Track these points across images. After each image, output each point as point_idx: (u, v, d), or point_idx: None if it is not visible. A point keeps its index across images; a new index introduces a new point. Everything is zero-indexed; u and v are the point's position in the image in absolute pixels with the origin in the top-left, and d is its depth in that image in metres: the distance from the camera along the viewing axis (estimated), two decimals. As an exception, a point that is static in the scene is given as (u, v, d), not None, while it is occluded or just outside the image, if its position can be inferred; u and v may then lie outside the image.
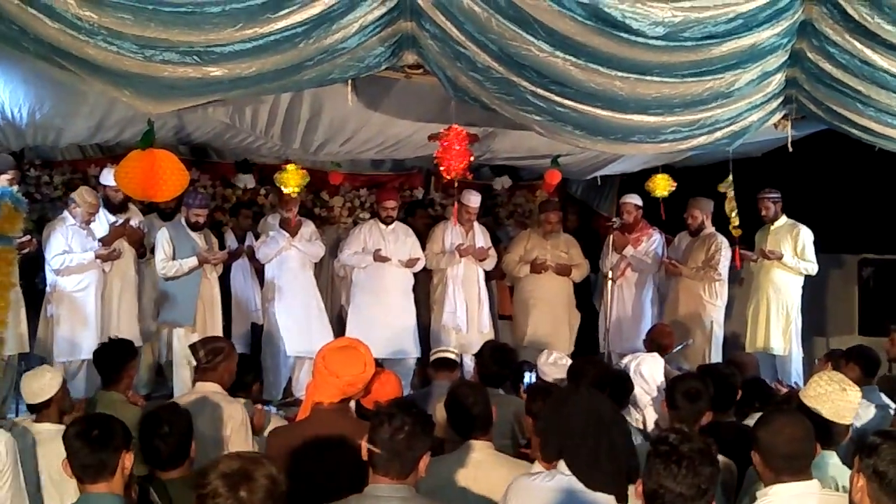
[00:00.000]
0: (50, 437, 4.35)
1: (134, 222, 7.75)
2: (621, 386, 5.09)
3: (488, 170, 10.68)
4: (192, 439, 3.82)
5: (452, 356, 6.23)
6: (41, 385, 4.60)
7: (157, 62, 4.62)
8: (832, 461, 3.78)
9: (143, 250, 7.92)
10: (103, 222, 7.62)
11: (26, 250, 6.88)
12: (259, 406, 5.18)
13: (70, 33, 4.37)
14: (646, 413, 5.57)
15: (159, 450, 3.75)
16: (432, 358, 6.16)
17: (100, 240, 7.44)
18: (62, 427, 4.32)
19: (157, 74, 4.75)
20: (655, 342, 6.74)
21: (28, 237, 6.85)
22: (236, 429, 4.51)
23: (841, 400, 3.94)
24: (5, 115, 6.71)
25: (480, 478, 3.72)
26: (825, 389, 3.99)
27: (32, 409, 4.67)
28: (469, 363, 7.63)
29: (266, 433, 4.57)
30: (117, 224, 7.59)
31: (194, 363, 7.39)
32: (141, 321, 7.88)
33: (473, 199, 8.71)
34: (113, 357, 5.20)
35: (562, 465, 3.22)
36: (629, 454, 3.28)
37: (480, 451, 3.83)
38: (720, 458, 3.96)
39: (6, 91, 6.41)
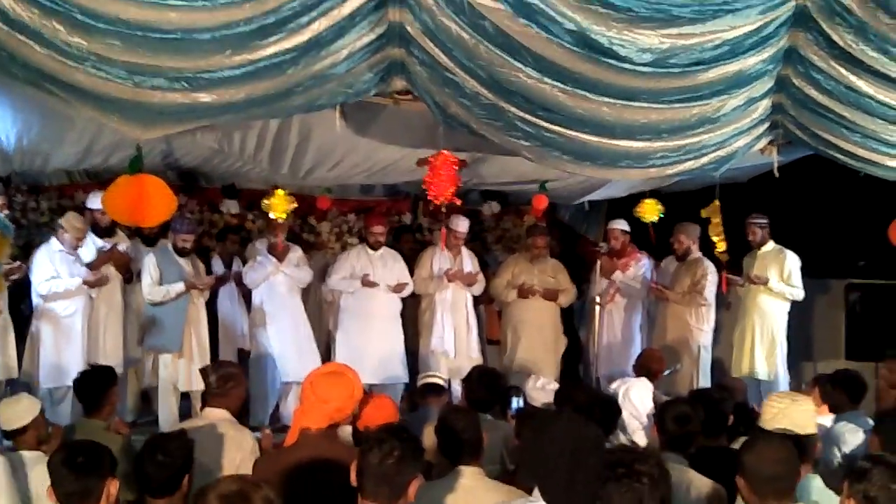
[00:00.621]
0: (25, 465, 4.30)
1: (121, 247, 7.73)
2: (609, 411, 5.07)
3: (476, 195, 10.71)
4: (188, 470, 3.75)
5: (440, 381, 6.20)
6: (17, 411, 4.54)
7: (147, 88, 4.63)
8: (815, 484, 3.79)
9: (130, 275, 7.88)
10: (90, 247, 7.59)
11: (15, 276, 6.85)
12: (267, 430, 5.11)
13: (59, 59, 4.39)
14: (634, 438, 5.54)
15: (151, 476, 3.71)
16: (420, 383, 6.13)
17: (87, 265, 7.40)
18: (39, 454, 4.28)
19: (145, 100, 4.76)
20: (645, 367, 6.71)
21: (18, 263, 6.82)
22: (247, 458, 4.42)
23: (795, 411, 4.00)
24: (-8, 141, 6.71)
25: (472, 503, 3.70)
26: (777, 408, 4.07)
27: (8, 435, 4.59)
28: (458, 388, 7.60)
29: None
30: (105, 249, 7.57)
31: (182, 389, 7.50)
32: (126, 347, 7.83)
33: (461, 224, 8.72)
34: (93, 385, 5.11)
35: (537, 492, 3.21)
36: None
37: (471, 477, 3.81)
38: (710, 482, 3.98)
39: (-6, 116, 6.41)
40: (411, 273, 8.66)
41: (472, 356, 8.57)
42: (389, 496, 2.98)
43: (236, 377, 4.71)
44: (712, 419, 4.72)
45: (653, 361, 6.88)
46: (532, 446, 3.28)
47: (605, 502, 2.76)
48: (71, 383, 6.64)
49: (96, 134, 6.87)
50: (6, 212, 6.41)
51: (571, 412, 3.94)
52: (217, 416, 4.57)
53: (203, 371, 4.81)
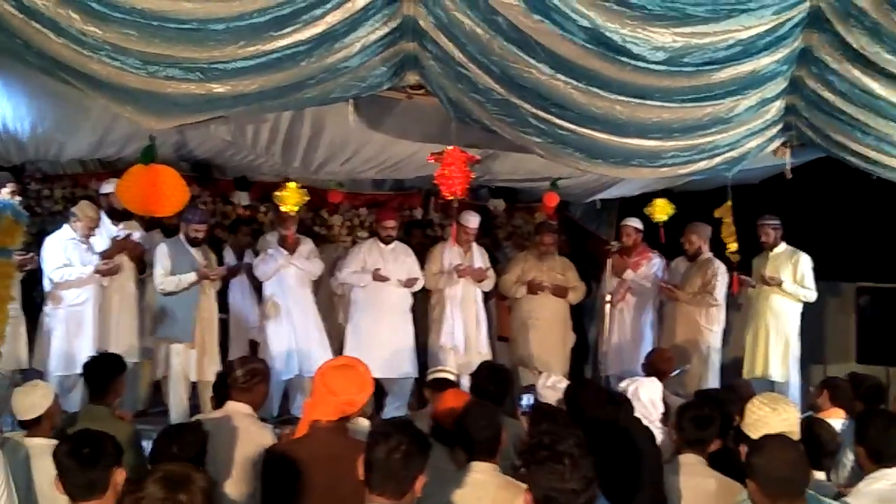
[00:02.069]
0: (41, 452, 4.30)
1: (136, 236, 7.75)
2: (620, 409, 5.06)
3: (486, 191, 10.71)
4: (202, 462, 3.75)
5: (450, 376, 6.19)
6: (32, 401, 4.56)
7: (161, 78, 4.64)
8: None
9: (143, 266, 7.90)
10: (104, 236, 7.62)
11: (28, 267, 6.88)
12: (287, 431, 5.11)
13: (74, 48, 4.40)
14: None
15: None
16: (429, 378, 6.13)
17: (100, 253, 7.43)
18: (54, 442, 4.31)
19: (159, 90, 4.77)
20: (654, 367, 6.69)
21: (30, 255, 6.86)
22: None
23: (775, 420, 4.00)
24: (7, 129, 6.75)
25: (483, 498, 3.70)
26: (758, 415, 4.08)
27: (23, 424, 4.62)
28: (466, 384, 7.61)
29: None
30: (118, 238, 7.59)
31: (193, 379, 7.53)
32: (141, 337, 7.86)
33: (472, 220, 8.72)
34: (100, 371, 5.17)
35: None
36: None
37: (483, 472, 3.81)
38: (731, 481, 3.98)
39: (9, 105, 6.44)
40: (422, 268, 8.67)
41: (481, 352, 8.56)
42: (395, 491, 3.00)
43: (262, 373, 4.71)
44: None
45: (662, 362, 6.86)
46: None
47: (531, 486, 2.77)
48: (81, 371, 6.74)
49: (111, 124, 6.90)
50: (18, 198, 6.44)
51: (630, 414, 3.94)
52: (239, 410, 4.57)
53: (229, 365, 4.81)
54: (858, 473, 4.29)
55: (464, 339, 8.57)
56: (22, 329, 6.96)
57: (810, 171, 7.16)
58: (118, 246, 7.55)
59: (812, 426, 4.45)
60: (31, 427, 4.56)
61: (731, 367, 8.76)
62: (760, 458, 3.31)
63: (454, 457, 4.17)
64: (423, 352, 8.60)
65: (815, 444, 4.26)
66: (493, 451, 3.92)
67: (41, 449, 4.34)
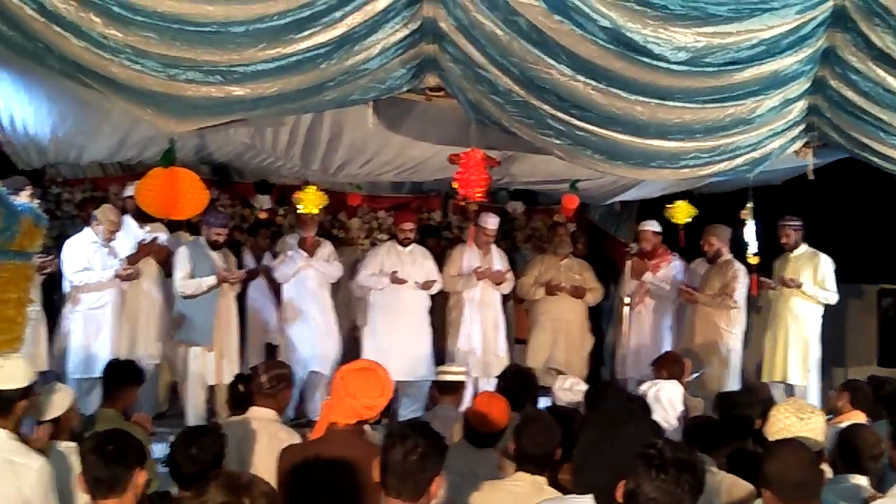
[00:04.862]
0: (66, 456, 4.33)
1: (161, 239, 7.76)
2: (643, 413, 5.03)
3: (506, 193, 10.69)
4: (219, 465, 3.74)
5: (460, 377, 6.12)
6: (51, 401, 4.56)
7: (181, 81, 4.66)
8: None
9: (170, 269, 7.89)
10: (130, 238, 7.63)
11: (48, 270, 6.90)
12: (308, 434, 5.09)
13: (95, 51, 4.43)
14: (663, 440, 5.50)
15: (182, 468, 3.73)
16: (436, 379, 6.06)
17: (126, 257, 7.44)
18: (71, 445, 4.31)
19: (179, 93, 4.79)
20: (663, 369, 6.55)
21: (51, 257, 6.87)
22: None
23: (802, 430, 3.94)
24: (28, 132, 6.78)
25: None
26: (784, 423, 4.03)
27: (41, 425, 4.64)
28: (485, 387, 7.60)
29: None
30: (144, 242, 7.60)
31: (210, 383, 7.53)
32: (165, 340, 7.87)
33: (491, 222, 8.70)
34: (113, 376, 5.23)
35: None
36: None
37: (528, 484, 3.71)
38: (745, 483, 3.94)
39: (30, 108, 6.47)
40: (440, 270, 8.65)
41: (499, 354, 8.55)
42: (412, 493, 2.97)
43: (287, 378, 4.68)
44: (738, 423, 4.73)
45: (670, 365, 6.65)
46: (596, 455, 3.11)
47: (630, 476, 2.68)
48: (98, 374, 6.76)
49: (131, 127, 6.91)
50: (37, 201, 6.46)
51: (640, 414, 3.92)
52: (264, 415, 4.54)
53: (254, 370, 4.78)
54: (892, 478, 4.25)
55: (482, 342, 8.55)
56: (42, 331, 6.98)
57: (833, 172, 7.10)
58: (144, 250, 7.56)
59: (858, 432, 4.39)
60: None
61: (752, 370, 8.70)
62: (773, 465, 3.25)
63: (489, 459, 4.14)
64: (441, 354, 8.58)
65: (855, 448, 4.22)
66: (543, 466, 3.83)
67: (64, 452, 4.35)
